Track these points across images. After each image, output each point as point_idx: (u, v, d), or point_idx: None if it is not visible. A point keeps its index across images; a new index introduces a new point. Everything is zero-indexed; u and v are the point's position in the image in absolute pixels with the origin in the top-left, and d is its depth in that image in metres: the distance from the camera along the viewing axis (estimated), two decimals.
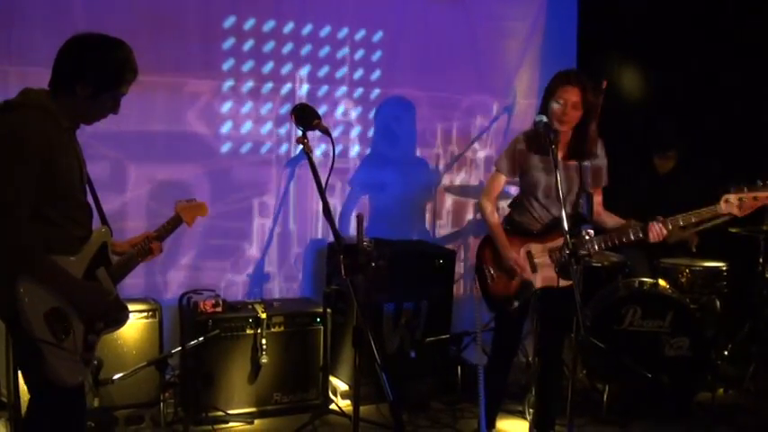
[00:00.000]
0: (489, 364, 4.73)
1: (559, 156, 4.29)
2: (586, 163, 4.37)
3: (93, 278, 3.25)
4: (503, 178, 4.51)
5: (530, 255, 4.41)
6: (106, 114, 3.24)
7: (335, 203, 5.99)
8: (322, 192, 3.32)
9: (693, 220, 4.13)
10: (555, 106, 4.21)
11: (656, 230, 4.13)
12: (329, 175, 3.34)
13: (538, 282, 4.40)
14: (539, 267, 4.40)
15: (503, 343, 4.67)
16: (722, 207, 4.04)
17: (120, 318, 3.39)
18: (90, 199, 3.37)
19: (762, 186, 3.95)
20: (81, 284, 3.17)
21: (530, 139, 4.39)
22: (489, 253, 4.52)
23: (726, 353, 5.80)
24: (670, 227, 4.14)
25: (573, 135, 4.34)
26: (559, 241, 4.29)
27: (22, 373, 3.28)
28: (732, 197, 3.98)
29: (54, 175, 3.01)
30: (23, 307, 2.96)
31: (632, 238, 4.22)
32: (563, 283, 4.27)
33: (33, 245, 3.01)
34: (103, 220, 3.39)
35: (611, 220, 4.50)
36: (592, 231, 5.45)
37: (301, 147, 3.45)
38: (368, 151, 6.24)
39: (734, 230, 5.59)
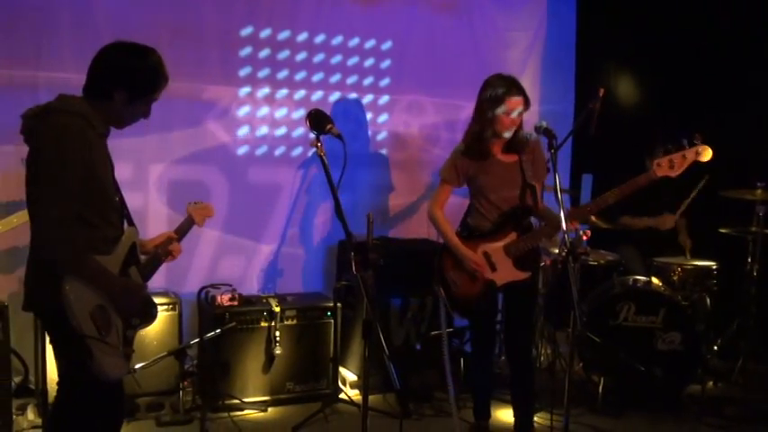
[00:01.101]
0: (472, 361, 4.91)
1: (497, 152, 4.42)
2: (525, 157, 4.40)
3: (127, 276, 3.28)
4: (448, 187, 4.57)
5: (486, 255, 4.44)
6: (138, 119, 3.31)
7: (346, 203, 5.99)
8: (334, 191, 3.45)
9: (628, 192, 4.15)
10: (504, 117, 4.26)
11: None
12: (341, 176, 3.47)
13: (499, 279, 4.45)
14: (497, 265, 4.43)
15: (480, 341, 4.77)
16: (655, 172, 4.08)
17: (153, 314, 3.44)
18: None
19: (688, 144, 4.02)
20: (121, 282, 3.20)
21: (467, 147, 4.45)
22: (449, 260, 4.54)
23: (715, 347, 5.91)
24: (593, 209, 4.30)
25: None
26: (512, 236, 4.39)
27: (65, 369, 3.29)
28: (662, 160, 4.04)
29: (92, 179, 3.06)
30: (70, 304, 2.96)
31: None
32: (522, 275, 4.42)
33: (80, 244, 3.04)
34: (130, 221, 3.41)
35: (550, 212, 4.53)
36: (589, 232, 5.70)
37: (315, 149, 3.57)
38: (376, 153, 6.38)
39: (724, 231, 5.72)
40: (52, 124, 3.03)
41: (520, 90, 4.30)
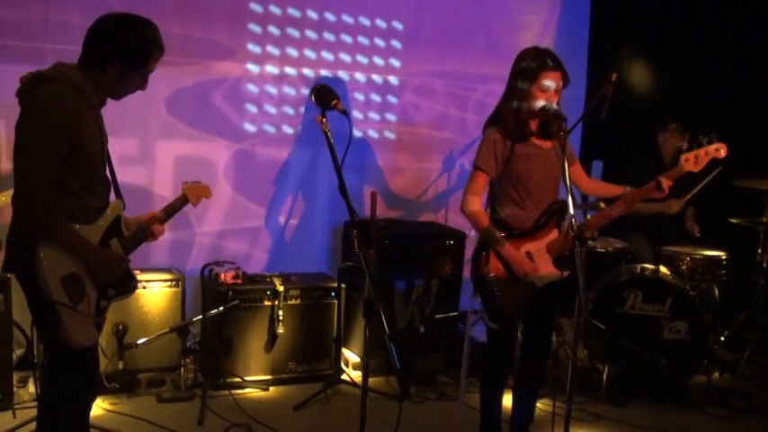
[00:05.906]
0: (484, 385, 4.33)
1: (534, 137, 4.05)
2: (558, 143, 3.94)
3: (107, 247, 3.31)
4: (485, 177, 4.05)
5: (529, 255, 4.02)
6: (134, 90, 3.28)
7: (354, 185, 5.85)
8: (338, 169, 3.38)
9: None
10: (538, 92, 3.90)
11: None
12: (345, 153, 3.41)
13: (540, 281, 4.04)
14: (539, 266, 4.03)
15: (501, 356, 4.24)
16: (683, 166, 4.16)
17: (130, 287, 3.45)
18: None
19: (707, 142, 4.15)
20: (99, 252, 3.23)
21: (504, 126, 4.00)
22: (486, 261, 4.02)
23: (722, 338, 5.88)
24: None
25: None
26: (554, 234, 4.06)
27: (39, 334, 3.34)
28: (689, 155, 4.16)
29: (77, 149, 3.07)
30: (42, 270, 3.02)
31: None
32: (560, 275, 4.02)
33: (57, 212, 3.07)
34: (118, 194, 3.44)
35: (606, 188, 4.41)
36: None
37: (320, 126, 3.48)
38: (385, 135, 6.36)
39: (734, 221, 5.68)
40: (43, 92, 3.04)
41: (557, 63, 3.93)
